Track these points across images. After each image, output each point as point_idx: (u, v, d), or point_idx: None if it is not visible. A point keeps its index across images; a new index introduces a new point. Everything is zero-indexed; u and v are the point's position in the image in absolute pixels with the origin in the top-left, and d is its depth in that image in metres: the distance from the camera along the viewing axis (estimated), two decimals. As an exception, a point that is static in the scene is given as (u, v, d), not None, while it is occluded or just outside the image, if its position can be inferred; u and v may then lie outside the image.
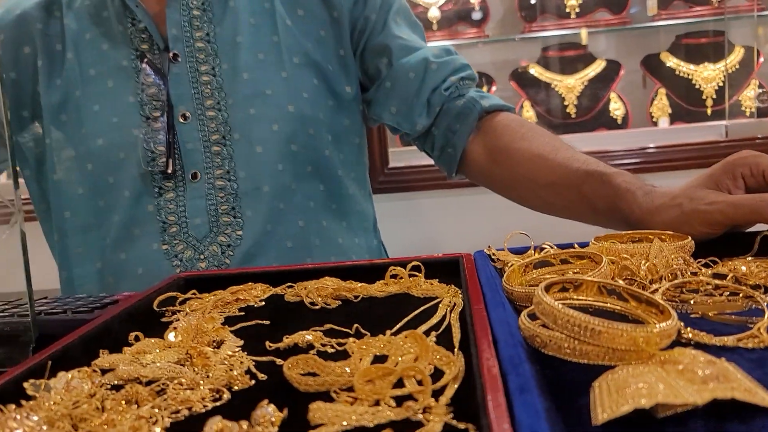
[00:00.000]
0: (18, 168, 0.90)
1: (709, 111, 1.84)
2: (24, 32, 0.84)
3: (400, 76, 0.88)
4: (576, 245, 0.59)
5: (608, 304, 0.41)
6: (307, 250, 0.85)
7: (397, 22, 0.91)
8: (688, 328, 0.39)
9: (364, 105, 0.95)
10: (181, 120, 0.81)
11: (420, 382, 0.35)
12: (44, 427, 0.32)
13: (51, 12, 0.85)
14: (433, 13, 1.90)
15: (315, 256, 0.85)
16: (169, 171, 0.80)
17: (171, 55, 0.82)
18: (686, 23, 1.89)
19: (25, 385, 0.38)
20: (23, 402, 0.35)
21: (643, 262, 0.52)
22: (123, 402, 0.36)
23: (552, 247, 0.59)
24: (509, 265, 0.56)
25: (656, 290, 0.45)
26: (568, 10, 1.90)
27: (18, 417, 0.33)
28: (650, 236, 0.57)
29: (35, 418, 0.33)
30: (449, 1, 1.90)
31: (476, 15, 1.83)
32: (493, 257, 0.61)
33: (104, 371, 0.42)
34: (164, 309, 0.57)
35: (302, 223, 0.85)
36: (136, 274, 0.81)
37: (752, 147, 1.63)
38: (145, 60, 0.81)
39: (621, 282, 0.45)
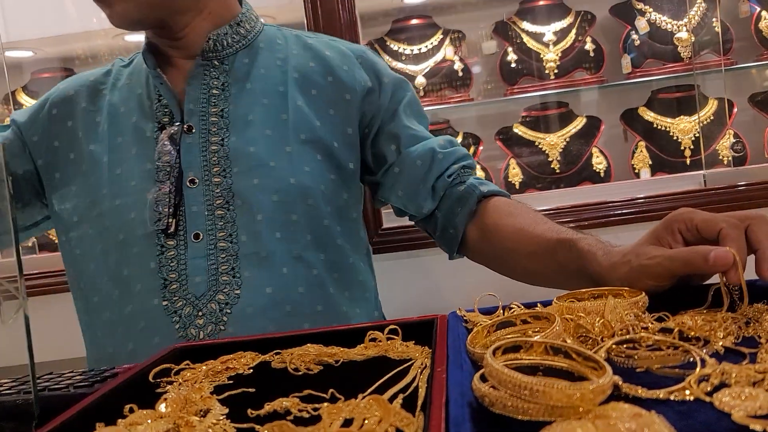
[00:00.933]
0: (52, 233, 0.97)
1: (687, 161, 1.89)
2: (70, 110, 0.95)
3: (408, 163, 0.94)
4: (539, 305, 0.62)
5: (555, 363, 0.44)
6: (308, 315, 0.88)
7: (407, 113, 0.98)
8: (625, 384, 0.42)
9: (372, 186, 1.02)
10: (189, 184, 0.87)
11: (381, 443, 0.39)
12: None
13: (99, 91, 0.96)
14: (420, 81, 1.98)
15: (318, 321, 0.88)
16: (171, 230, 0.84)
17: (186, 126, 0.89)
18: (660, 79, 1.95)
19: (26, 459, 0.41)
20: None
21: (597, 319, 0.55)
22: (113, 472, 0.39)
23: (519, 307, 0.63)
24: (479, 325, 0.59)
25: (602, 347, 0.48)
26: (547, 71, 1.97)
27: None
28: (607, 293, 0.61)
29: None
30: (434, 67, 1.98)
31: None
32: (464, 318, 0.64)
33: (99, 443, 0.45)
34: (159, 380, 0.60)
35: (302, 290, 0.88)
36: (138, 328, 0.85)
37: (730, 195, 1.68)
38: (164, 131, 0.88)
39: (569, 341, 0.48)
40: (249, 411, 0.49)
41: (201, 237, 0.85)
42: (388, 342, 0.63)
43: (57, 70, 2.12)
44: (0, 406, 0.54)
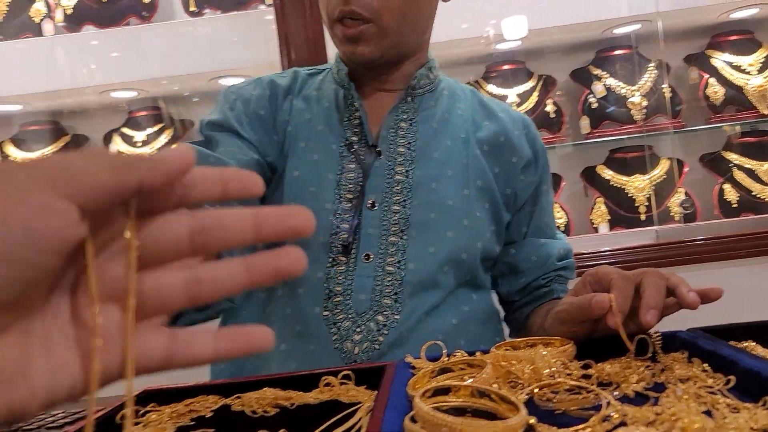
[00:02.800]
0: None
1: (642, 217, 1.96)
2: (273, 93, 0.98)
3: (523, 254, 1.00)
4: (479, 353, 0.67)
5: (480, 404, 0.49)
6: (453, 344, 0.88)
7: (546, 191, 1.03)
8: (539, 423, 0.46)
9: None
10: (369, 207, 0.90)
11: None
12: None
13: (286, 96, 0.98)
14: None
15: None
16: (348, 247, 0.87)
17: (377, 151, 0.93)
18: (616, 139, 2.05)
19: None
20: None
21: (528, 366, 0.59)
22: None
23: (463, 355, 0.67)
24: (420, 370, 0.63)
25: (524, 391, 0.52)
26: (511, 131, 2.05)
27: None
28: (539, 342, 0.66)
29: None
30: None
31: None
32: (411, 365, 0.68)
33: (65, 479, 0.48)
34: (124, 421, 0.63)
35: (455, 322, 0.90)
36: (294, 330, 0.87)
37: (681, 249, 1.75)
38: (353, 149, 0.92)
39: (500, 386, 0.53)
40: (205, 449, 0.52)
41: (371, 258, 0.88)
42: (341, 387, 0.67)
43: (45, 123, 2.16)
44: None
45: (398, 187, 0.92)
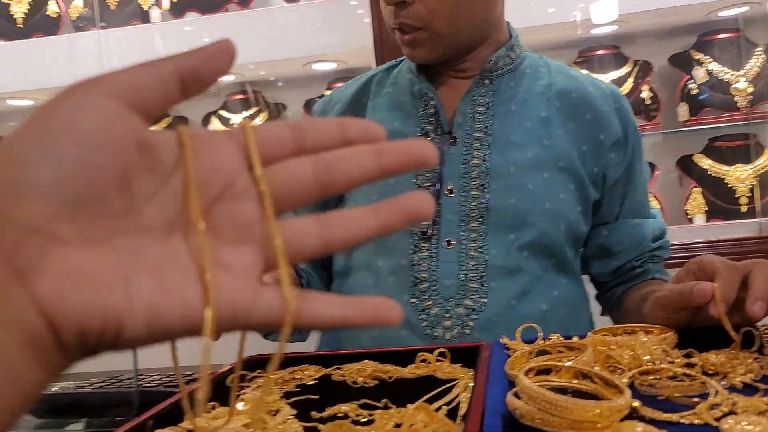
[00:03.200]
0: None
1: (743, 208, 1.87)
2: (351, 106, 1.02)
3: (616, 235, 0.97)
4: (576, 337, 0.67)
5: (582, 386, 0.49)
6: (545, 329, 0.91)
7: (639, 169, 1.00)
8: (643, 407, 0.46)
9: None
10: (447, 193, 0.91)
11: (425, 444, 0.44)
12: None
13: (361, 103, 1.03)
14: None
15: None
16: (428, 233, 0.89)
17: (452, 138, 0.93)
18: (716, 127, 1.95)
19: (132, 438, 0.49)
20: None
21: (627, 352, 0.59)
22: (202, 453, 0.46)
23: (559, 338, 0.67)
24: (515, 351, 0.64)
25: (626, 375, 0.52)
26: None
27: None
28: (638, 329, 0.65)
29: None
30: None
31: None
32: (506, 346, 0.69)
33: (189, 431, 0.52)
34: (240, 384, 0.67)
35: (545, 307, 0.90)
36: None
37: (786, 243, 1.65)
38: (429, 138, 0.94)
39: (597, 368, 0.53)
40: (312, 413, 0.56)
41: (453, 244, 0.89)
42: (437, 363, 0.69)
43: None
44: (108, 396, 0.63)
45: (475, 173, 0.91)
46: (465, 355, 0.70)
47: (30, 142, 0.24)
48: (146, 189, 0.27)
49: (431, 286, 0.88)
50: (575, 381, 0.50)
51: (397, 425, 0.50)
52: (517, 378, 0.46)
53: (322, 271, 1.07)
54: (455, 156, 0.93)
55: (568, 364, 0.51)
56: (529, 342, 0.69)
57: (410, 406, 0.55)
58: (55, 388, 0.64)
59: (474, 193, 0.91)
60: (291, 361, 0.74)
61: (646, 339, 0.60)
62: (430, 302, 0.88)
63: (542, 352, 0.62)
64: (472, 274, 0.88)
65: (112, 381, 0.68)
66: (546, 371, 0.51)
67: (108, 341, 0.24)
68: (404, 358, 0.71)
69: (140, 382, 0.63)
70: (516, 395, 0.47)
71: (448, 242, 0.90)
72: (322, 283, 1.08)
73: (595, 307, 1.08)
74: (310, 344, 1.04)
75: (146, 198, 0.27)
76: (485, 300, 0.87)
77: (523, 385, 0.45)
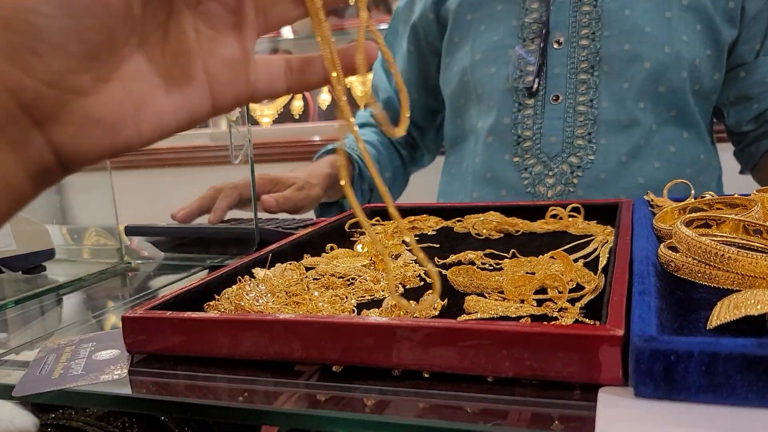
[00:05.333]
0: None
1: None
2: None
3: (756, 75, 0.87)
4: (737, 195, 0.59)
5: (750, 242, 0.44)
6: (660, 191, 0.87)
7: None
8: (828, 267, 0.40)
9: None
10: (555, 45, 0.86)
11: (560, 292, 0.41)
12: (268, 295, 0.43)
13: None
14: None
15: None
16: (534, 89, 0.85)
17: None
18: None
19: (254, 270, 0.49)
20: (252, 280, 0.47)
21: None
22: (322, 287, 0.46)
23: (714, 195, 0.61)
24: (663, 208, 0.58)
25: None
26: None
27: (250, 286, 0.44)
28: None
29: (262, 287, 0.44)
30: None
31: None
32: (651, 203, 0.64)
33: (308, 268, 0.53)
34: (353, 230, 0.67)
35: (658, 165, 0.84)
36: (486, 178, 0.90)
37: None
38: None
39: (769, 225, 0.46)
40: (436, 259, 0.54)
41: (560, 99, 0.85)
42: (570, 219, 0.65)
43: None
44: (231, 233, 0.65)
45: (586, 20, 0.83)
46: (601, 213, 0.66)
47: None
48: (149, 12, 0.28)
49: (535, 144, 0.85)
50: (741, 236, 0.44)
51: (528, 273, 0.48)
52: (674, 228, 0.42)
53: (402, 150, 1.05)
54: (564, 4, 0.84)
55: (731, 216, 0.45)
56: (678, 201, 0.63)
57: (542, 257, 0.51)
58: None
59: (584, 42, 0.83)
60: (410, 211, 0.72)
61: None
62: (533, 161, 0.85)
63: (696, 210, 0.55)
64: (579, 131, 0.84)
65: (232, 220, 0.70)
66: (705, 225, 0.46)
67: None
68: (532, 212, 0.68)
69: (260, 224, 0.64)
70: (670, 248, 0.43)
71: (555, 97, 0.84)
72: (400, 162, 1.05)
73: (729, 171, 0.97)
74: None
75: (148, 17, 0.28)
76: (592, 157, 0.83)
77: (681, 233, 0.40)
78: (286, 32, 2.07)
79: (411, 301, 0.41)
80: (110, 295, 0.58)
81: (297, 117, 2.02)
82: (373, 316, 0.39)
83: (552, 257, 0.47)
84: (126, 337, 0.39)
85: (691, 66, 0.83)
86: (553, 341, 0.30)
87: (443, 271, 0.50)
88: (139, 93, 0.28)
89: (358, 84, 1.91)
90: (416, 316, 0.38)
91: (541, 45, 0.84)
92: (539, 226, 0.64)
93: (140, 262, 0.68)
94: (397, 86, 1.00)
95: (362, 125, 1.06)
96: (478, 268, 0.51)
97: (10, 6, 0.23)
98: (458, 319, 0.38)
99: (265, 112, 2.03)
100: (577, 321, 0.37)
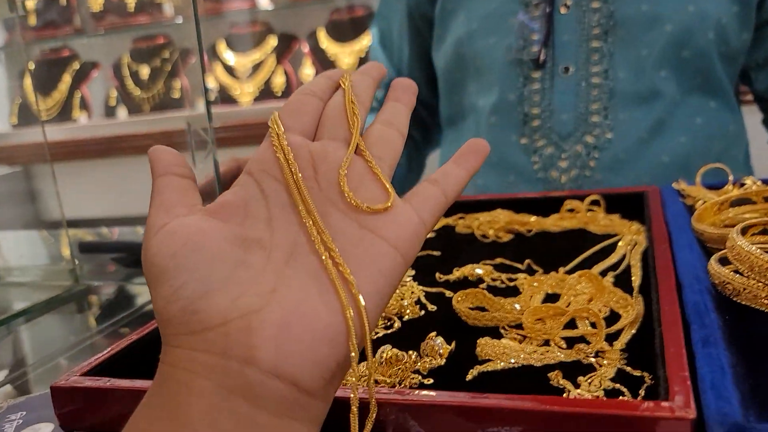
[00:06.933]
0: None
1: None
2: None
3: None
4: (783, 180, 0.53)
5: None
6: (686, 170, 0.76)
7: None
8: None
9: None
10: (562, 10, 0.78)
11: (593, 325, 0.35)
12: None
13: None
14: None
15: (693, 178, 0.80)
16: (541, 60, 0.77)
17: None
18: None
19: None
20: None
21: None
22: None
23: (755, 183, 0.54)
24: (700, 201, 0.52)
25: None
26: None
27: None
28: None
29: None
30: None
31: None
32: (682, 193, 0.57)
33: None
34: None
35: (684, 140, 0.78)
36: (491, 162, 0.82)
37: None
38: None
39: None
40: (437, 275, 0.47)
41: (570, 71, 0.78)
42: (588, 214, 0.58)
43: None
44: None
45: None
46: (624, 204, 0.59)
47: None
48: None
49: (544, 122, 0.77)
50: (811, 244, 0.37)
51: (549, 296, 0.41)
52: (729, 238, 0.35)
53: (413, 132, 0.96)
54: None
55: (795, 219, 0.39)
56: (714, 188, 0.56)
57: (563, 271, 0.45)
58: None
59: (595, 4, 0.75)
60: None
61: None
62: (543, 141, 0.77)
63: (741, 202, 0.49)
64: (593, 106, 0.76)
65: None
66: (765, 231, 0.39)
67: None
68: (545, 206, 0.61)
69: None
70: (721, 262, 0.36)
71: (565, 68, 0.76)
72: (413, 146, 0.97)
73: (758, 140, 0.91)
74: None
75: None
76: (609, 135, 0.75)
77: (740, 248, 0.33)
78: (264, 2, 1.97)
79: (411, 353, 0.34)
80: (58, 333, 0.51)
81: (279, 94, 1.94)
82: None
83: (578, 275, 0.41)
84: (57, 409, 0.32)
85: (717, 25, 0.75)
86: (601, 425, 0.23)
87: (447, 293, 0.43)
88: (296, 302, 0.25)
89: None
90: (418, 377, 0.31)
91: (547, 10, 0.76)
92: (554, 224, 0.58)
93: (99, 284, 0.60)
94: (398, 66, 0.92)
95: None
96: (488, 286, 0.44)
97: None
98: (471, 373, 0.31)
99: (245, 89, 1.94)
100: (620, 371, 0.30)
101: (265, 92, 1.95)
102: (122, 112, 2.09)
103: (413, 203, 0.28)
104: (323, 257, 0.25)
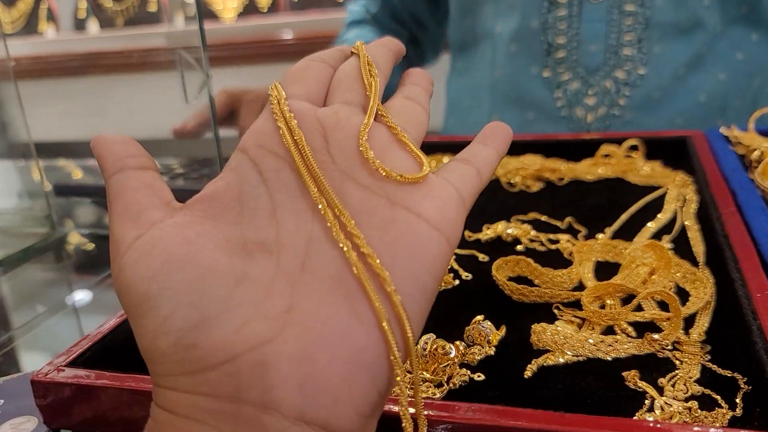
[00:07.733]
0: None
1: None
2: None
3: None
4: None
5: None
6: (722, 111, 0.74)
7: None
8: None
9: None
10: None
11: (661, 305, 0.31)
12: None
13: None
14: None
15: (729, 119, 0.72)
16: None
17: None
18: None
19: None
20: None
21: None
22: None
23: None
24: (757, 151, 0.47)
25: None
26: None
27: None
28: None
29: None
30: None
31: None
32: (733, 140, 0.52)
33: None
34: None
35: (723, 77, 0.73)
36: (509, 97, 0.77)
37: None
38: None
39: None
40: (466, 233, 0.43)
41: None
42: (626, 160, 0.53)
43: None
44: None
45: None
46: (664, 150, 0.54)
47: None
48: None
49: (570, 54, 0.71)
50: None
51: (600, 264, 0.37)
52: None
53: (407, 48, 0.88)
54: None
55: None
56: (766, 134, 0.52)
57: (609, 232, 0.40)
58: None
59: None
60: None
61: None
62: (568, 75, 0.71)
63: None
64: (626, 37, 0.69)
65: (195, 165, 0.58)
66: None
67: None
68: (574, 149, 0.56)
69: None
70: (807, 233, 0.32)
71: None
72: (407, 64, 0.90)
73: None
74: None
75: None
76: (642, 71, 0.70)
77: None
78: None
79: (458, 344, 0.30)
80: (36, 290, 0.46)
81: (265, 10, 1.83)
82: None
83: (639, 246, 0.36)
84: (40, 404, 0.28)
85: None
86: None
87: (480, 257, 0.39)
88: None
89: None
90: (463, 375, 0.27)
91: None
92: (587, 170, 0.53)
93: (82, 231, 0.55)
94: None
95: (357, 23, 0.90)
96: (526, 249, 0.40)
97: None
98: (530, 368, 0.27)
99: (228, 4, 1.83)
100: (704, 370, 0.26)
101: (250, 7, 1.84)
102: (93, 26, 1.97)
103: (449, 179, 0.23)
104: (344, 249, 0.19)
